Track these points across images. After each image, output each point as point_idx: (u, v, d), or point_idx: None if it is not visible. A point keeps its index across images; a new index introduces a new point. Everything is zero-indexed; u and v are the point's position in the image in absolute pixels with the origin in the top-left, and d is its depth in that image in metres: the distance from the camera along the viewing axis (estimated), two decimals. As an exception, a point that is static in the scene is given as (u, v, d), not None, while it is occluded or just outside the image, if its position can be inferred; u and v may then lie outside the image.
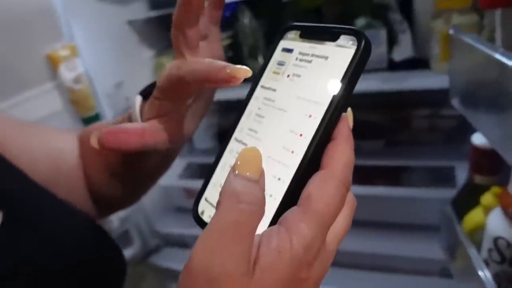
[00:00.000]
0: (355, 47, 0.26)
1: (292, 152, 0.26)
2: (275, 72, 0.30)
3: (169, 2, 1.11)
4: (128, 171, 0.43)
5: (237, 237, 0.21)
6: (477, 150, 0.70)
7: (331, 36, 0.27)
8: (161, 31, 1.31)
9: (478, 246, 0.69)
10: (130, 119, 0.38)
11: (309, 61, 0.28)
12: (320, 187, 0.24)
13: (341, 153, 0.25)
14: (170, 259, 1.34)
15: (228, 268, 0.21)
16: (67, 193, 0.43)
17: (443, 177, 1.10)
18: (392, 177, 1.13)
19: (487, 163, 0.70)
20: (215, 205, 0.28)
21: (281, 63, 0.30)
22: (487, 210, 0.69)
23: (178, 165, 1.35)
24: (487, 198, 0.69)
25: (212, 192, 0.30)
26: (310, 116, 0.26)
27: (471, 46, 0.57)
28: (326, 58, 0.27)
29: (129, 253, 1.26)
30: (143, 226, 1.33)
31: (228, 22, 1.21)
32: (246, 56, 1.21)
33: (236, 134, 0.31)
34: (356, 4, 1.12)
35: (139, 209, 1.28)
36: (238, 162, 0.24)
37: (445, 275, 1.05)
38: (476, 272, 0.66)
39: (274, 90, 0.29)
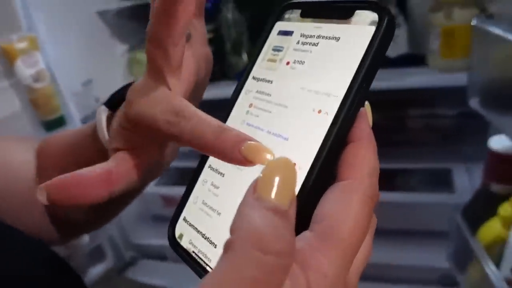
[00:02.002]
0: (375, 25, 0.21)
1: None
2: (270, 60, 0.25)
3: (143, -9, 1.00)
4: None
5: None
6: (496, 155, 0.63)
7: (343, 12, 0.22)
8: (134, 23, 1.19)
9: (496, 260, 0.62)
10: (94, 134, 0.30)
11: (315, 44, 0.23)
12: (342, 205, 0.18)
13: (364, 158, 0.19)
14: (147, 273, 1.24)
15: None
16: (17, 214, 0.35)
17: (440, 180, 1.04)
18: (387, 180, 1.06)
19: (508, 170, 0.63)
20: (196, 226, 0.24)
21: (277, 49, 0.25)
22: (507, 222, 0.62)
23: (155, 170, 1.24)
24: (506, 208, 0.62)
25: (192, 211, 0.24)
26: (319, 111, 0.21)
27: (504, 38, 0.49)
28: (338, 39, 0.22)
29: (101, 268, 1.15)
30: (117, 238, 1.23)
31: (210, 14, 1.11)
32: (229, 51, 1.10)
33: None
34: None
35: (113, 220, 1.16)
36: (262, 179, 0.16)
37: (445, 284, 0.99)
38: (496, 290, 0.59)
39: (270, 81, 0.24)
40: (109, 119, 0.28)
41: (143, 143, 0.25)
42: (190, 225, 0.24)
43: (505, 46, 0.50)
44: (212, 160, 0.25)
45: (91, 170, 0.24)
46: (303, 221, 0.19)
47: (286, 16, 0.26)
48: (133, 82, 0.25)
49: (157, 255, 1.26)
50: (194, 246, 0.23)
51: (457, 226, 0.71)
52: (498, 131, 0.65)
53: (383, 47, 0.21)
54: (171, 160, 0.29)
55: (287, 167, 0.17)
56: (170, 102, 0.22)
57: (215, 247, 0.22)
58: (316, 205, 0.19)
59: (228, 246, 0.16)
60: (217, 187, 0.24)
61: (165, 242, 0.26)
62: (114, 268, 1.21)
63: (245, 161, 0.19)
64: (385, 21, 0.20)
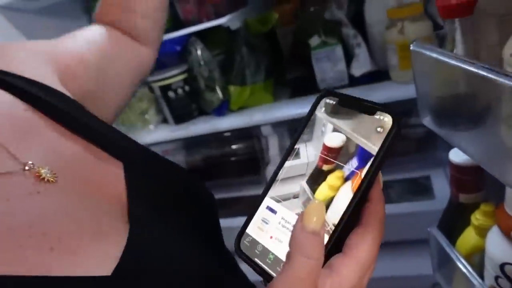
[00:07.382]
0: (390, 125, 0.26)
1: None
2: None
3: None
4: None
5: (311, 285, 0.25)
6: (458, 168, 0.61)
7: (369, 110, 0.28)
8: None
9: (478, 269, 0.60)
10: None
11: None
12: (364, 241, 0.27)
13: (378, 212, 0.28)
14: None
15: None
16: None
17: (421, 187, 1.02)
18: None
19: (471, 180, 0.61)
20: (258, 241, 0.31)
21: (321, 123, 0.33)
22: (480, 230, 0.60)
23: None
24: (478, 218, 0.60)
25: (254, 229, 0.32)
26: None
27: (439, 61, 0.48)
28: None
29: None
30: None
31: (181, 57, 1.11)
32: (203, 89, 1.10)
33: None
34: (308, 23, 1.03)
35: None
36: (305, 216, 0.26)
37: (439, 291, 0.96)
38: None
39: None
40: None
41: None
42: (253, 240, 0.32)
43: (441, 68, 0.49)
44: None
45: None
46: (339, 245, 0.27)
47: (327, 100, 0.32)
48: None
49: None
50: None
51: (435, 239, 0.69)
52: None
53: (394, 142, 0.26)
54: None
55: (319, 206, 0.26)
56: None
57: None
58: (345, 237, 0.28)
59: (289, 255, 0.26)
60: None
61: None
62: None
63: None
64: (396, 125, 0.26)
